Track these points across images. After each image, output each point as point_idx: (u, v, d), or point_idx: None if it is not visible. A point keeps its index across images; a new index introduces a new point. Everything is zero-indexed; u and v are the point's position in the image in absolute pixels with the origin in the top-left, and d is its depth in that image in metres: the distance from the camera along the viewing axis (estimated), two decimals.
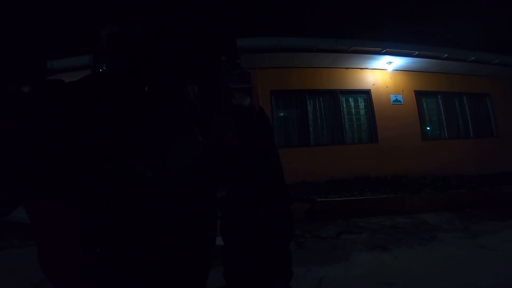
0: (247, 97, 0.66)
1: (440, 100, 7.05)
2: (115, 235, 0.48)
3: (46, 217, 0.47)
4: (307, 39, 5.75)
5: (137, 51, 0.52)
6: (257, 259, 0.82)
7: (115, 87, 0.52)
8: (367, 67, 6.56)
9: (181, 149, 0.56)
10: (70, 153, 0.43)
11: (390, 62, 6.29)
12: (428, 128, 6.99)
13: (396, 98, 6.65)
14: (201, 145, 0.59)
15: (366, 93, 6.60)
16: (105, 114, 0.48)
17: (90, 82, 0.51)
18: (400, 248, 3.14)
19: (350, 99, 6.59)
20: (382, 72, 6.68)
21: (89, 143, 0.45)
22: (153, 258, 0.53)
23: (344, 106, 6.52)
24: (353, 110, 6.55)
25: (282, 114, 6.41)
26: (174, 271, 0.57)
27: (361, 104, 6.61)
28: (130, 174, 0.48)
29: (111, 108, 0.50)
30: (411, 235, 3.58)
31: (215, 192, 0.73)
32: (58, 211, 0.46)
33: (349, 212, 4.47)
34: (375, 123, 6.45)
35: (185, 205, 0.58)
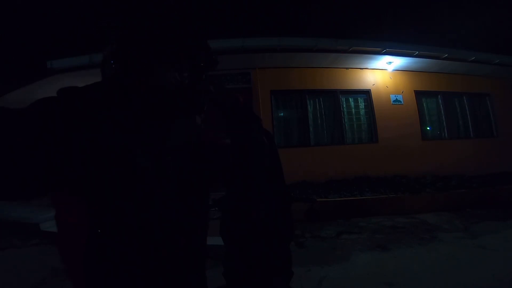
0: (233, 94, 0.67)
1: (440, 100, 7.05)
2: (117, 222, 0.54)
3: (63, 205, 0.56)
4: (307, 39, 5.74)
5: (150, 46, 0.58)
6: (257, 259, 0.82)
7: (124, 87, 0.57)
8: (367, 67, 6.56)
9: (177, 141, 0.61)
10: (85, 149, 0.49)
11: (390, 62, 6.28)
12: (428, 128, 6.98)
13: (396, 98, 6.65)
14: (195, 135, 0.63)
15: (366, 93, 6.60)
16: (112, 115, 0.54)
17: (101, 87, 0.57)
18: (400, 248, 3.14)
19: (350, 99, 6.59)
20: (382, 72, 6.68)
21: (99, 140, 0.51)
22: (153, 249, 0.57)
23: (344, 106, 6.51)
24: (353, 110, 6.55)
25: (282, 114, 6.41)
26: (174, 262, 0.60)
27: (361, 104, 6.60)
28: (131, 166, 0.54)
29: (119, 108, 0.55)
30: (411, 235, 3.58)
31: (208, 193, 0.75)
32: (72, 200, 0.54)
33: (349, 212, 4.47)
34: (375, 123, 6.45)
35: (181, 197, 0.62)
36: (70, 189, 0.53)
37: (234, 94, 0.67)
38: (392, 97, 6.63)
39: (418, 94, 6.85)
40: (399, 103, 6.65)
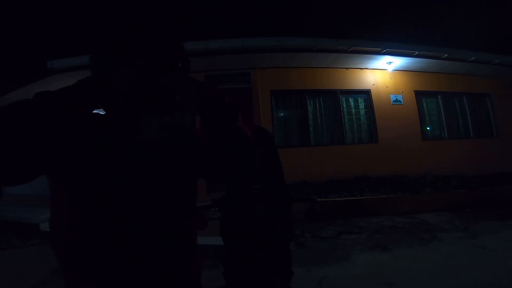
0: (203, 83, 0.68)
1: (440, 100, 7.04)
2: (92, 218, 0.57)
3: (52, 190, 0.61)
4: (307, 39, 5.74)
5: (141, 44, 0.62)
6: (257, 259, 0.82)
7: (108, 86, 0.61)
8: (367, 67, 6.56)
9: (149, 138, 0.63)
10: (58, 147, 0.54)
11: (390, 62, 6.28)
12: (428, 128, 6.97)
13: (396, 98, 6.64)
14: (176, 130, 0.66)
15: (366, 93, 6.60)
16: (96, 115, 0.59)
17: (73, 89, 0.61)
18: (400, 248, 3.14)
19: (350, 99, 6.58)
20: (382, 72, 6.68)
21: (83, 135, 0.57)
22: (133, 244, 0.59)
23: (344, 106, 6.51)
24: (353, 110, 6.54)
25: (282, 114, 6.40)
26: (155, 257, 0.62)
27: (361, 104, 6.60)
28: (100, 164, 0.57)
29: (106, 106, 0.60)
30: (411, 235, 3.58)
31: (193, 189, 0.74)
32: (58, 186, 0.59)
33: (349, 212, 4.47)
34: (375, 123, 6.44)
35: (156, 193, 0.63)
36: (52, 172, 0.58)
37: (206, 86, 0.66)
38: (392, 97, 6.63)
39: (418, 94, 6.85)
40: (399, 103, 6.65)
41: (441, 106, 7.03)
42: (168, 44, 0.66)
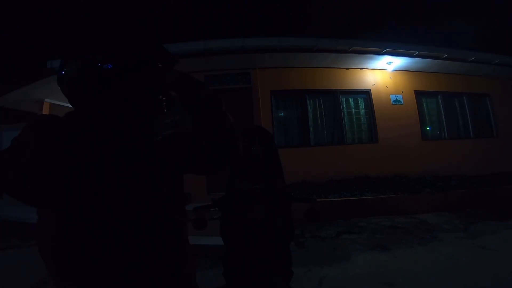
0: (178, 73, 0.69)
1: (440, 100, 7.04)
2: (77, 219, 0.59)
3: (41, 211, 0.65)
4: (307, 39, 5.74)
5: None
6: (257, 259, 0.83)
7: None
8: (367, 67, 6.55)
9: (130, 140, 0.64)
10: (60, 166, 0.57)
11: (390, 62, 6.28)
12: (428, 128, 6.97)
13: (396, 98, 6.64)
14: (148, 136, 0.67)
15: (366, 93, 6.60)
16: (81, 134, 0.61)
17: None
18: (400, 248, 3.14)
19: (350, 99, 6.58)
20: (382, 72, 6.68)
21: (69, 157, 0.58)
22: (110, 245, 0.59)
23: (344, 106, 6.51)
24: (353, 110, 6.55)
25: (282, 114, 6.40)
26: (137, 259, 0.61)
27: (361, 104, 6.60)
28: (92, 169, 0.59)
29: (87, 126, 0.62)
30: (411, 235, 3.58)
31: (177, 186, 0.74)
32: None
33: (349, 212, 4.47)
34: (375, 123, 6.44)
35: (138, 195, 0.63)
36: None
37: (186, 76, 0.68)
38: (392, 97, 6.63)
39: (418, 94, 6.85)
40: (399, 103, 6.65)
41: (441, 106, 7.03)
42: (150, 45, 0.68)
